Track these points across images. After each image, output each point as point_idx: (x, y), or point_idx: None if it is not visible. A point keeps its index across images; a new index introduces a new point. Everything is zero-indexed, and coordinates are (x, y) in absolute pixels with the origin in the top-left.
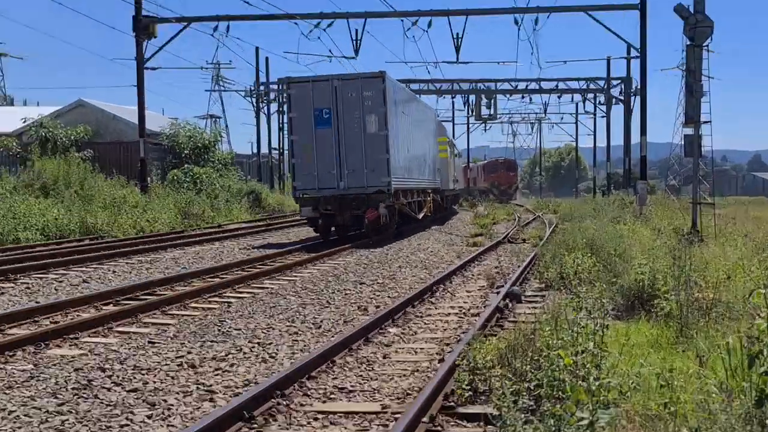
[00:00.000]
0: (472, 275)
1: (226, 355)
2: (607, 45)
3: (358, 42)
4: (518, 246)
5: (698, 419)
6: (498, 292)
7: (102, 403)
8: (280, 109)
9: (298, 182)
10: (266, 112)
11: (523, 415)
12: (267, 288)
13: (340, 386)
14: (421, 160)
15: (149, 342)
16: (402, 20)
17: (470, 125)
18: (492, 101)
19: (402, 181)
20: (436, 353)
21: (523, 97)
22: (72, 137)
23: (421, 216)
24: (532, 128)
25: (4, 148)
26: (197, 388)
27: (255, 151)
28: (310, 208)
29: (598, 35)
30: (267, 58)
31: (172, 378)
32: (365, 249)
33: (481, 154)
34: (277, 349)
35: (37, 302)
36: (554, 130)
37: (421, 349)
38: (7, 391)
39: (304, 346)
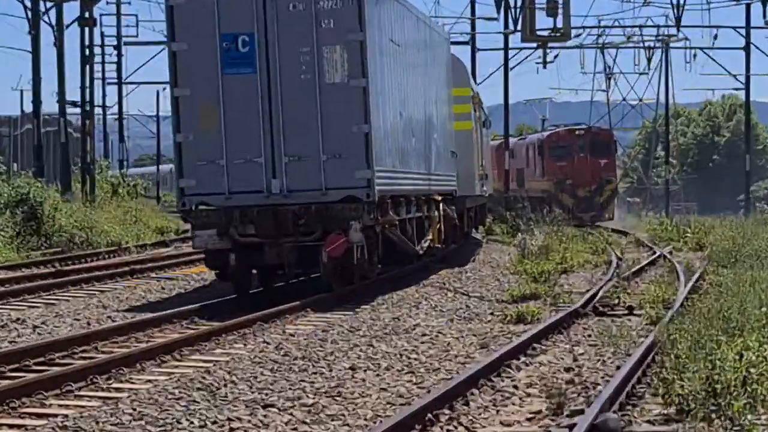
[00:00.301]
0: (516, 388)
1: None
2: None
3: None
4: (617, 323)
5: None
6: (572, 429)
7: None
8: (88, 18)
9: (187, 180)
10: (51, 22)
11: None
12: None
13: None
14: (425, 136)
15: None
16: None
17: (510, 52)
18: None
19: (392, 179)
20: None
21: None
22: None
23: (422, 246)
24: (649, 62)
25: None
26: None
27: (31, 110)
28: (211, 232)
29: None
30: None
31: None
32: (304, 318)
33: (533, 120)
34: None
35: None
36: (699, 63)
37: None
38: None
39: None
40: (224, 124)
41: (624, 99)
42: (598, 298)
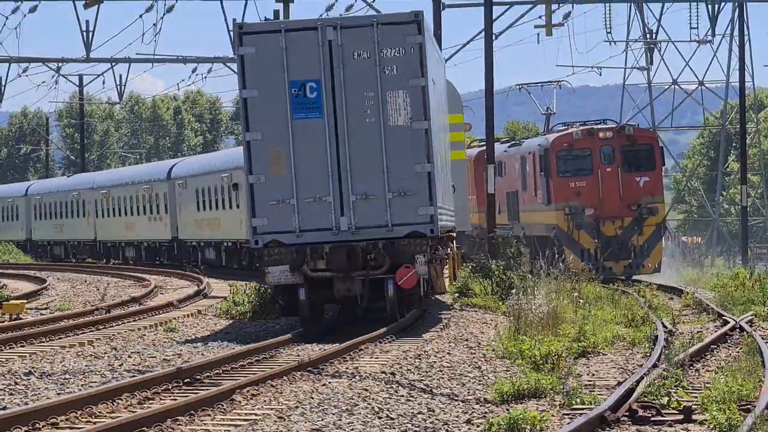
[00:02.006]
0: None
1: None
2: None
3: None
4: None
5: None
6: None
7: None
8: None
9: (259, 219)
10: None
11: None
12: None
13: None
14: (444, 170)
15: None
16: None
17: (495, 10)
18: None
19: (444, 215)
20: None
21: None
22: None
23: (442, 285)
24: (713, 24)
25: None
26: None
27: None
28: (284, 268)
29: None
30: None
31: None
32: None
33: (532, 115)
34: None
35: None
36: None
37: None
38: None
39: None
40: (294, 166)
41: (674, 82)
42: (636, 395)
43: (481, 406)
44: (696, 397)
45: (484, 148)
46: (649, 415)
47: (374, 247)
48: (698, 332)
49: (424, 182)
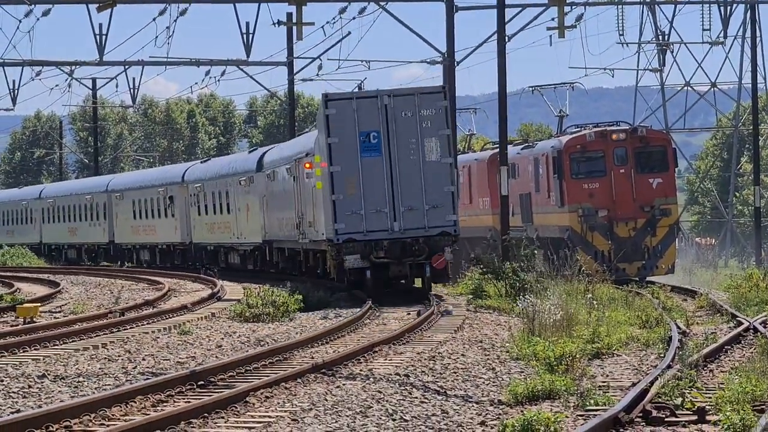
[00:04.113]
0: None
1: None
2: None
3: None
4: None
5: None
6: None
7: None
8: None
9: (339, 224)
10: None
11: None
12: None
13: None
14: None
15: None
16: None
17: (507, 12)
18: None
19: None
20: None
21: None
22: None
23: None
24: (726, 25)
25: None
26: None
27: None
28: (356, 257)
29: None
30: None
31: None
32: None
33: (545, 117)
34: None
35: None
36: None
37: None
38: None
39: None
40: (363, 188)
41: (687, 83)
42: (650, 396)
43: (495, 407)
44: (710, 398)
45: (497, 150)
46: (663, 415)
47: (416, 242)
48: (712, 333)
49: (450, 199)
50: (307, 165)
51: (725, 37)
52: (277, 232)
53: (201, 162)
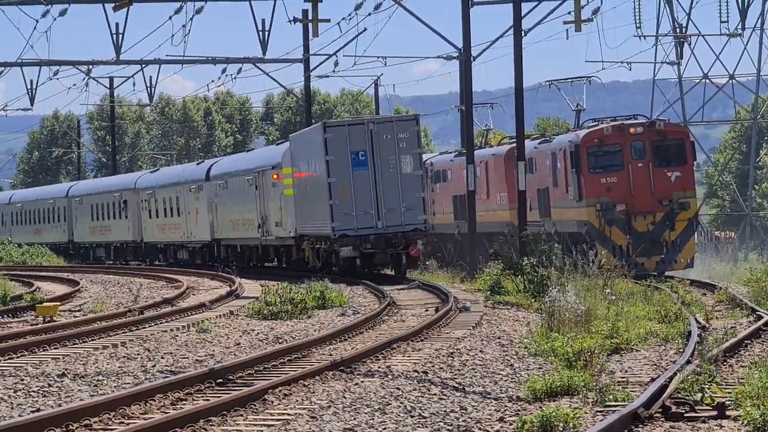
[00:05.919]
0: None
1: None
2: None
3: None
4: None
5: None
6: None
7: None
8: None
9: (335, 222)
10: None
11: None
12: None
13: None
14: None
15: None
16: None
17: (523, 6)
18: None
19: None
20: None
21: None
22: None
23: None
24: (744, 17)
25: None
26: None
27: None
28: (349, 248)
29: None
30: None
31: None
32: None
33: (562, 111)
34: None
35: None
36: None
37: None
38: None
39: None
40: (354, 195)
41: (705, 76)
42: (669, 391)
43: (513, 403)
44: (730, 393)
45: (514, 145)
46: (683, 411)
47: (396, 236)
48: (732, 328)
49: (420, 202)
50: (275, 176)
51: (743, 28)
52: (228, 232)
53: (150, 172)
